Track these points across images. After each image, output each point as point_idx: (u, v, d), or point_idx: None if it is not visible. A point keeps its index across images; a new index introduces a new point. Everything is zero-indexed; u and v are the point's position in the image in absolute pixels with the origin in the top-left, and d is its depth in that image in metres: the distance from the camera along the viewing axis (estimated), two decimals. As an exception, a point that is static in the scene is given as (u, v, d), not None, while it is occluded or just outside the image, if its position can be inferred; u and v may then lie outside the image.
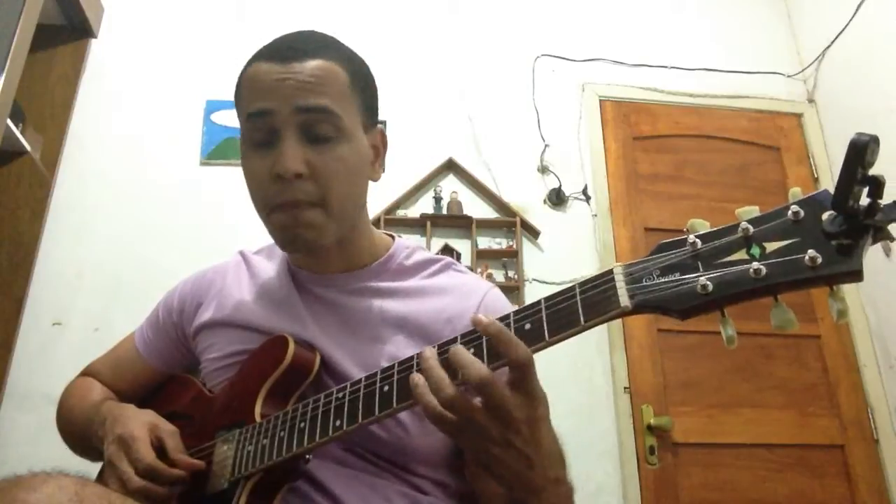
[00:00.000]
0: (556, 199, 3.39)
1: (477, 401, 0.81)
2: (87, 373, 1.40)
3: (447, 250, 3.06)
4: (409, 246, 1.25)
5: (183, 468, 1.03)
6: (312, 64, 1.03)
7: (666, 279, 0.72)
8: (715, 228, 0.72)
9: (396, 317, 1.12)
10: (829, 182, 3.53)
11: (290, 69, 1.02)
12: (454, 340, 0.86)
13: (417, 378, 0.84)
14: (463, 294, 1.16)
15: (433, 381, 0.81)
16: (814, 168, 3.59)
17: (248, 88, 1.06)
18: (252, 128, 1.05)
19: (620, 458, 2.95)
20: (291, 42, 1.06)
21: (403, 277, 1.19)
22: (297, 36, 1.08)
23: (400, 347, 1.08)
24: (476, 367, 0.79)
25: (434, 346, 0.87)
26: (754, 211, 0.70)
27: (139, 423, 1.09)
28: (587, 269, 3.24)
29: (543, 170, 3.45)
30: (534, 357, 0.81)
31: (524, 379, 0.79)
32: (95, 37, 3.32)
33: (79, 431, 1.27)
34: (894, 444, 3.07)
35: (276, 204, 1.04)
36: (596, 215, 3.38)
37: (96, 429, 1.16)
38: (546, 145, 3.47)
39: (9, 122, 2.59)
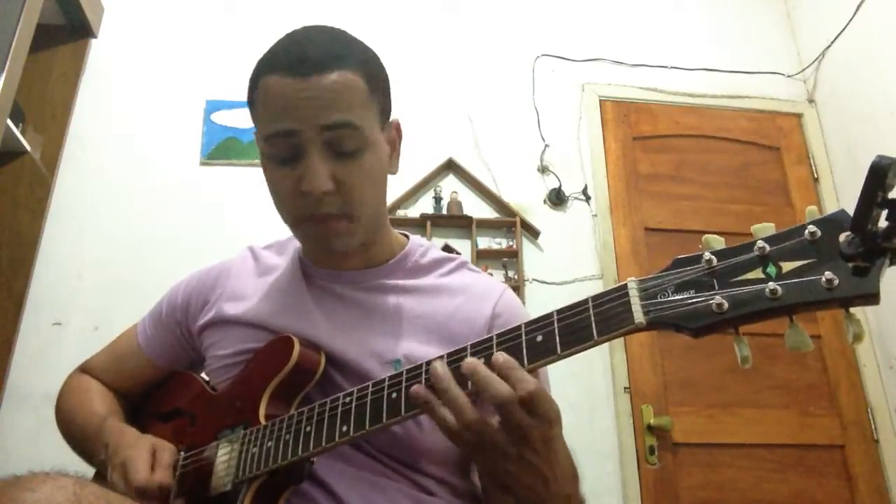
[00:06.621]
0: (556, 199, 3.39)
1: (494, 420, 0.81)
2: (85, 369, 1.39)
3: (447, 250, 3.05)
4: (424, 244, 1.25)
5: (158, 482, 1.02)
6: (331, 78, 1.00)
7: (681, 296, 0.71)
8: (731, 246, 0.71)
9: (413, 314, 1.13)
10: (829, 183, 3.55)
11: (310, 85, 0.99)
12: (464, 350, 0.86)
13: (424, 393, 0.84)
14: (478, 294, 1.17)
15: (451, 403, 0.81)
16: (814, 168, 3.59)
17: (265, 104, 1.03)
18: (274, 146, 1.04)
19: (620, 458, 2.96)
20: (305, 49, 1.02)
21: (419, 275, 1.20)
22: (308, 40, 1.05)
23: (415, 344, 1.08)
24: (495, 386, 0.79)
25: (444, 361, 0.86)
26: (770, 228, 0.69)
27: (139, 445, 1.08)
28: (587, 269, 3.25)
29: (543, 170, 3.45)
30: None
31: (536, 405, 0.79)
32: (95, 37, 3.31)
33: (78, 441, 1.27)
34: (894, 444, 3.08)
35: (304, 217, 1.06)
36: (596, 215, 3.39)
37: (97, 451, 1.15)
38: (546, 145, 3.47)
39: (9, 122, 2.58)
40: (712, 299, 0.69)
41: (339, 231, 1.06)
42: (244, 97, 1.11)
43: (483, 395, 0.80)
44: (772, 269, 0.67)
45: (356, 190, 1.05)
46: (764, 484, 2.97)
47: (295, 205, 1.05)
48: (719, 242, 0.72)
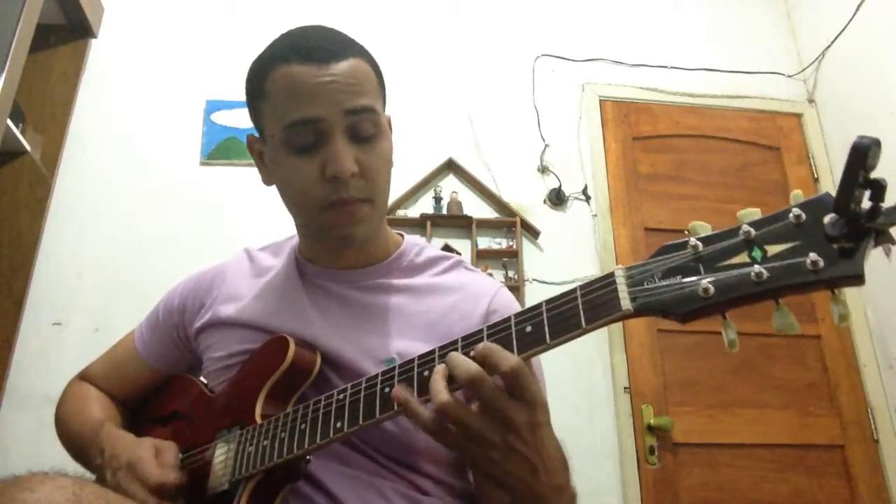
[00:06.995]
0: (556, 199, 3.39)
1: (473, 405, 0.80)
2: (84, 376, 1.39)
3: (447, 250, 3.05)
4: (419, 243, 1.26)
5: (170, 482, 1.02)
6: (348, 64, 1.04)
7: (667, 282, 0.71)
8: (716, 231, 0.71)
9: (407, 312, 1.13)
10: (829, 182, 3.54)
11: (331, 71, 1.02)
12: (454, 343, 0.86)
13: (399, 393, 0.84)
14: (472, 293, 1.17)
15: (433, 395, 0.81)
16: (814, 168, 3.59)
17: (283, 94, 1.04)
18: (296, 134, 1.04)
19: (620, 458, 2.95)
20: (317, 41, 1.04)
21: (414, 274, 1.20)
22: (316, 34, 1.07)
23: (409, 343, 1.08)
24: (464, 365, 0.79)
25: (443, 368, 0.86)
26: (756, 213, 0.69)
27: (143, 446, 1.08)
28: (587, 269, 3.24)
29: (543, 170, 3.45)
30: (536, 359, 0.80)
31: (520, 385, 0.79)
32: (95, 37, 3.32)
33: (76, 446, 1.26)
34: (894, 444, 3.07)
35: (329, 203, 1.05)
36: (596, 215, 3.39)
37: (93, 456, 1.14)
38: (546, 145, 3.47)
39: (9, 122, 2.58)
40: (698, 284, 0.69)
41: (362, 216, 1.07)
42: (244, 97, 1.11)
43: (457, 380, 0.80)
44: (757, 253, 0.67)
45: (376, 173, 1.07)
46: (764, 484, 2.96)
47: (318, 193, 1.05)
48: (705, 228, 0.72)
